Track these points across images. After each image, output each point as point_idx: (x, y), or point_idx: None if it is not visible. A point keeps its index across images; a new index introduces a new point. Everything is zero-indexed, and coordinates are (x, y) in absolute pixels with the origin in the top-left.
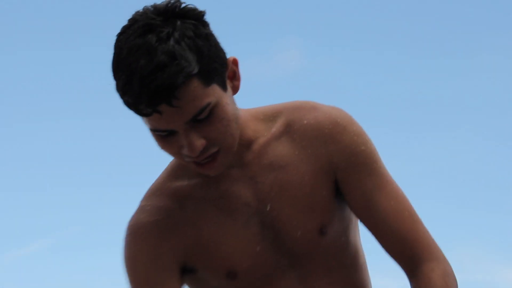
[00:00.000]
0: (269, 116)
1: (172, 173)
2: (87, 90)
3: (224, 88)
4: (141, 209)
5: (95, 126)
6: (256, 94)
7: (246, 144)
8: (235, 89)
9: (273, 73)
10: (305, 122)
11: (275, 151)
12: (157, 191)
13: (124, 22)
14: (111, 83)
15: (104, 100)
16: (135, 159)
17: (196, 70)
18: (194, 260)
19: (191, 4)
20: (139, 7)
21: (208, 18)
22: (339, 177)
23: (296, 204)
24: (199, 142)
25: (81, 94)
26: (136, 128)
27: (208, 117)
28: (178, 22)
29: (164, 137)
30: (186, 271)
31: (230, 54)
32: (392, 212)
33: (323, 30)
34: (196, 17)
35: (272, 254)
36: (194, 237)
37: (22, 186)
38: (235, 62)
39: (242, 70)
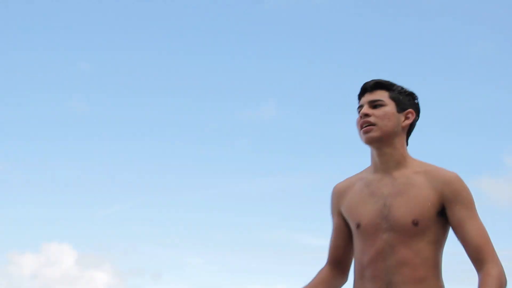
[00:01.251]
0: (420, 163)
1: (364, 171)
2: None
3: (398, 111)
4: (344, 179)
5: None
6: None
7: (398, 164)
8: (405, 123)
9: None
10: (438, 173)
11: (412, 177)
12: (354, 175)
13: None
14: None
15: None
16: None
17: (391, 88)
18: (346, 212)
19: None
20: None
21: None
22: (446, 204)
23: (409, 202)
24: (369, 110)
25: None
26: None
27: (378, 107)
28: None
29: (359, 108)
30: (345, 219)
31: None
32: (476, 233)
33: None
34: (416, 97)
35: (381, 222)
36: (349, 200)
37: (106, 162)
38: (412, 112)
39: None
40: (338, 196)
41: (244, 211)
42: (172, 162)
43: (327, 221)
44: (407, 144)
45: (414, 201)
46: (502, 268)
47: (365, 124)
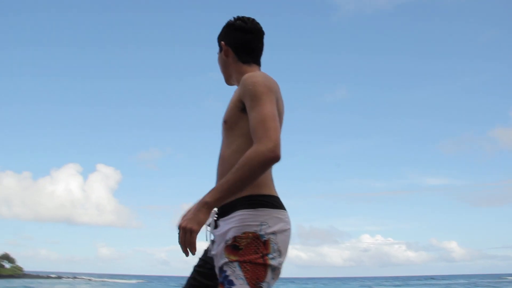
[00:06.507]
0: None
1: None
2: None
3: (220, 51)
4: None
5: None
6: None
7: (238, 82)
8: (225, 55)
9: None
10: (242, 78)
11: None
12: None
13: None
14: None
15: None
16: None
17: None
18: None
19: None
20: None
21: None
22: (243, 100)
23: (229, 107)
24: None
25: None
26: None
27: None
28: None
29: None
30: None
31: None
32: (253, 119)
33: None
34: (232, 24)
35: None
36: None
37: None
38: (222, 44)
39: None
40: None
41: (327, 165)
42: None
43: (388, 173)
44: (248, 62)
45: (228, 106)
46: (267, 145)
47: None
